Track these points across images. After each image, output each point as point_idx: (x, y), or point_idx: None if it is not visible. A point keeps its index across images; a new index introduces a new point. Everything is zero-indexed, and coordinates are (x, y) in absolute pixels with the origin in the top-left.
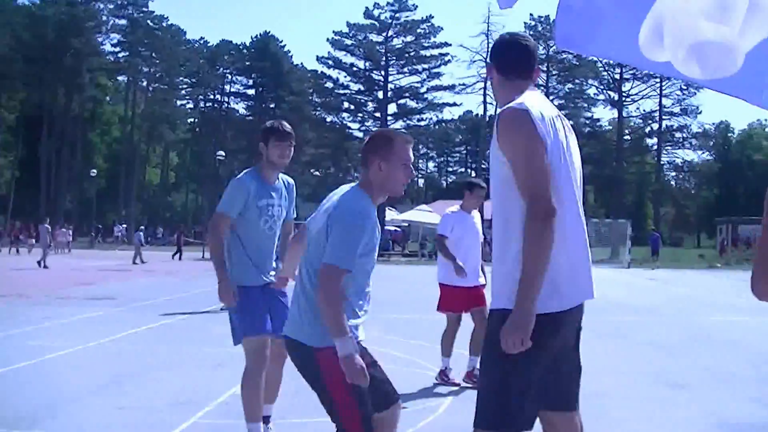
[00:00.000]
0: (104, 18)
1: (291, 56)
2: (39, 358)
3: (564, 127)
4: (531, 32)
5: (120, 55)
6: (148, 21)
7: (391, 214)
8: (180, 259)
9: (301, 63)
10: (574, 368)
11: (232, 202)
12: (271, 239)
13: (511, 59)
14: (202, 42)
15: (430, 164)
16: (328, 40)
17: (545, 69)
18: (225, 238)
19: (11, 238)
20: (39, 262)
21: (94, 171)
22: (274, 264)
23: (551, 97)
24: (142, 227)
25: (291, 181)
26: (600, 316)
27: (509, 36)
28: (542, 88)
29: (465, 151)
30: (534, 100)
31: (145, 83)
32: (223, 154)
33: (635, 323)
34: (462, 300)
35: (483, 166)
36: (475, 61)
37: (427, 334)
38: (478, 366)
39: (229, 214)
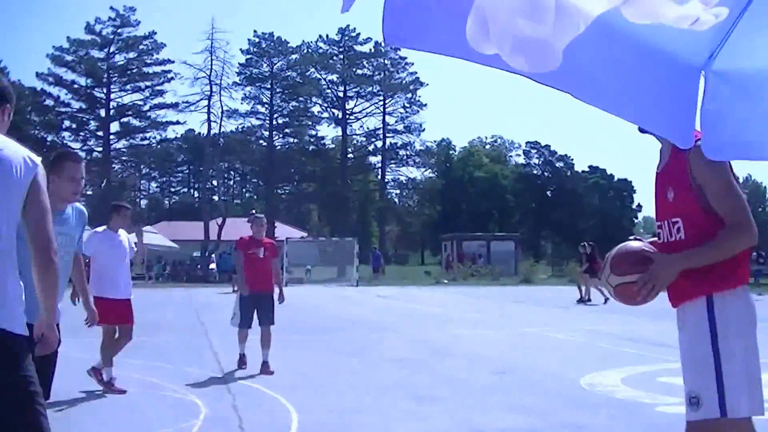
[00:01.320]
0: None
1: (8, 72)
2: None
3: None
4: (255, 48)
5: None
6: None
7: None
8: None
9: (19, 80)
10: None
11: None
12: None
13: None
14: None
15: (153, 184)
16: (48, 55)
17: (269, 87)
18: None
19: None
20: None
21: None
22: None
23: (276, 115)
24: None
25: None
26: (338, 333)
27: None
28: (266, 105)
29: (188, 171)
30: None
31: None
32: None
33: (373, 340)
34: (115, 312)
35: (207, 185)
36: (198, 79)
37: (164, 356)
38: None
39: None
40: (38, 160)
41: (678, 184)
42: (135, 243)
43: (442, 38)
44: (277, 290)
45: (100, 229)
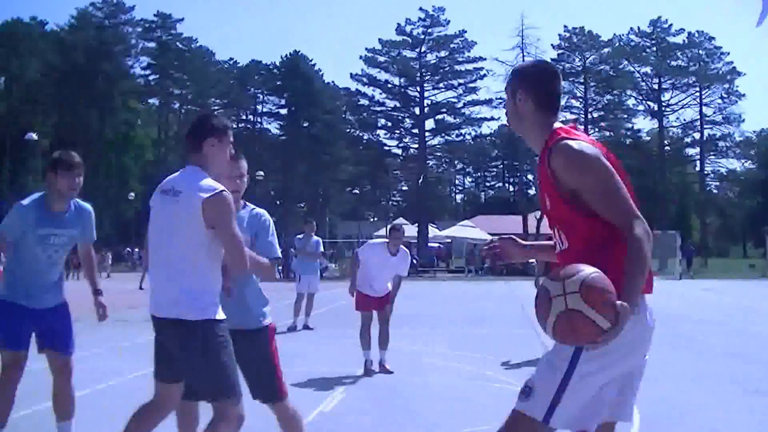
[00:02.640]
0: (133, 41)
1: (322, 75)
2: (116, 379)
3: (164, 199)
4: (566, 43)
5: (150, 78)
6: (178, 43)
7: (433, 230)
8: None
9: (333, 81)
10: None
11: (9, 226)
12: (50, 266)
13: None
14: (231, 63)
15: (468, 179)
16: (361, 57)
17: (582, 81)
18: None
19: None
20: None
21: (132, 194)
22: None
23: (590, 109)
24: None
25: (87, 207)
26: (668, 326)
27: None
28: (580, 99)
29: (501, 166)
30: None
31: (176, 105)
32: (262, 173)
33: (705, 333)
34: (371, 303)
35: (523, 180)
36: None
37: (490, 348)
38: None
39: (4, 236)
40: (213, 191)
41: (549, 192)
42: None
43: None
44: None
45: (379, 241)
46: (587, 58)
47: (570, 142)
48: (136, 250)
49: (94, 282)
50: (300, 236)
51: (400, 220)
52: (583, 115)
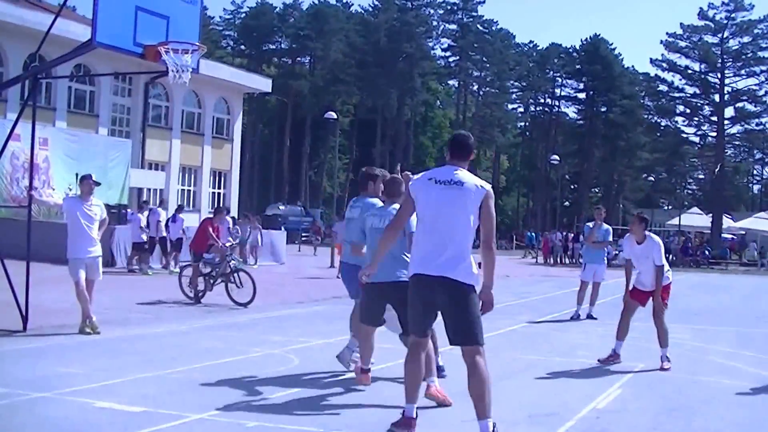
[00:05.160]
0: (434, 23)
1: (621, 59)
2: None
3: (438, 187)
4: None
5: (450, 59)
6: (478, 25)
7: (727, 222)
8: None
9: (632, 66)
10: None
11: (355, 232)
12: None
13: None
14: (531, 46)
15: (766, 170)
16: (661, 42)
17: None
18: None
19: None
20: None
21: None
22: None
23: None
24: None
25: None
26: None
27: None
28: None
29: None
30: (430, 172)
31: (475, 87)
32: (557, 158)
33: None
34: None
35: None
36: None
37: None
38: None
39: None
40: (487, 186)
41: None
42: None
43: None
44: None
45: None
46: None
47: None
48: None
49: None
50: (590, 223)
51: (694, 210)
52: None
